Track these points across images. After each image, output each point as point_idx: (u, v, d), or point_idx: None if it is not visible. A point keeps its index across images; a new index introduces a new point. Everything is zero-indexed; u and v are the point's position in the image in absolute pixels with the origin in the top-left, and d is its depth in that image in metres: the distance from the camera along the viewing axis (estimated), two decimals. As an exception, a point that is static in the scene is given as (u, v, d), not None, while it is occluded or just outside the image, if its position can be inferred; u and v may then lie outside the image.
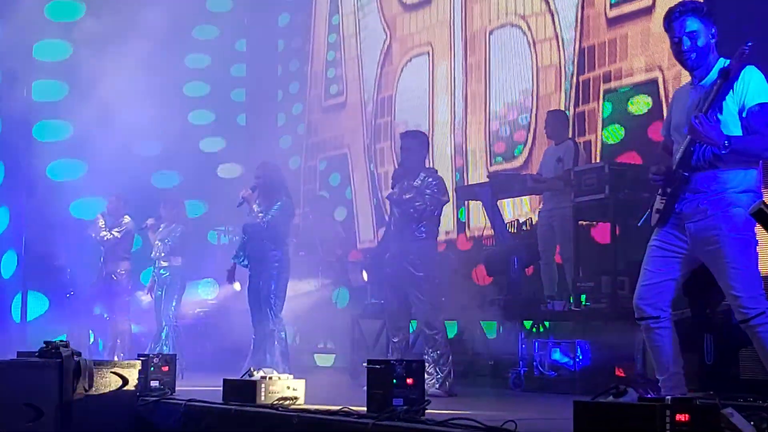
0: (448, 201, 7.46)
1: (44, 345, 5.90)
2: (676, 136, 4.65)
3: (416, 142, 7.34)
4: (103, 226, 10.02)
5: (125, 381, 5.90)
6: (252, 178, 8.19)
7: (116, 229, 9.95)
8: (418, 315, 7.25)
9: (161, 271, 9.57)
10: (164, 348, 9.11)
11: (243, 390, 5.62)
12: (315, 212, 11.55)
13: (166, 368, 6.52)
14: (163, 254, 9.59)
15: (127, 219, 10.07)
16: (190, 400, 5.87)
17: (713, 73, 4.53)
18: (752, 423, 3.66)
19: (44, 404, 5.60)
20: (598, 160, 8.94)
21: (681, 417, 3.32)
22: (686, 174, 4.47)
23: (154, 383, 6.41)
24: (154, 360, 6.53)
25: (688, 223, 4.49)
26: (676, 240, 4.55)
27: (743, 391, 5.39)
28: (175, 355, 7.13)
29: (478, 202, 9.74)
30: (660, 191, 4.58)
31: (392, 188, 7.38)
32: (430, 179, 7.16)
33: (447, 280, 8.11)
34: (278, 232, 7.91)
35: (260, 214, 7.88)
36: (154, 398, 6.16)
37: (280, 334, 7.83)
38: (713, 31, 4.54)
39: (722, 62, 4.53)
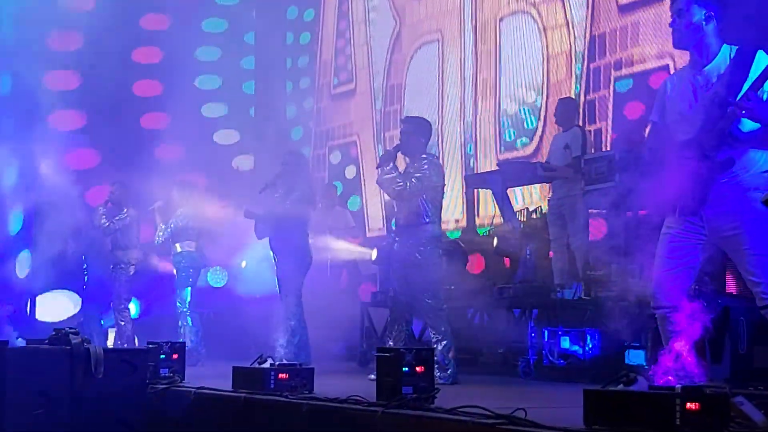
0: (436, 186, 7.13)
1: (54, 332, 5.91)
2: (678, 120, 4.53)
3: (413, 127, 7.30)
4: (103, 213, 9.96)
5: (135, 368, 5.91)
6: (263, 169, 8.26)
7: (118, 216, 9.89)
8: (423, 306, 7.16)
9: (179, 258, 9.55)
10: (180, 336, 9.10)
11: (253, 377, 5.63)
12: (324, 200, 11.54)
13: (176, 356, 6.53)
14: (163, 238, 9.57)
15: (124, 211, 10.00)
16: (199, 388, 5.87)
17: (721, 59, 4.44)
18: (763, 411, 3.64)
19: (54, 391, 5.61)
20: (608, 148, 8.91)
21: (691, 405, 3.32)
22: (731, 157, 4.31)
23: (163, 371, 6.42)
24: (164, 347, 6.54)
25: (705, 209, 4.39)
26: (692, 226, 4.45)
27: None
28: (184, 342, 7.13)
29: (488, 190, 9.72)
30: (688, 178, 4.40)
31: (376, 167, 7.36)
32: (424, 164, 7.07)
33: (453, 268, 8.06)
34: (295, 219, 7.91)
35: (279, 202, 7.93)
36: (163, 386, 6.16)
37: (289, 323, 7.82)
38: (709, 13, 4.43)
39: (727, 48, 4.44)
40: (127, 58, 12.87)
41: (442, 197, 7.25)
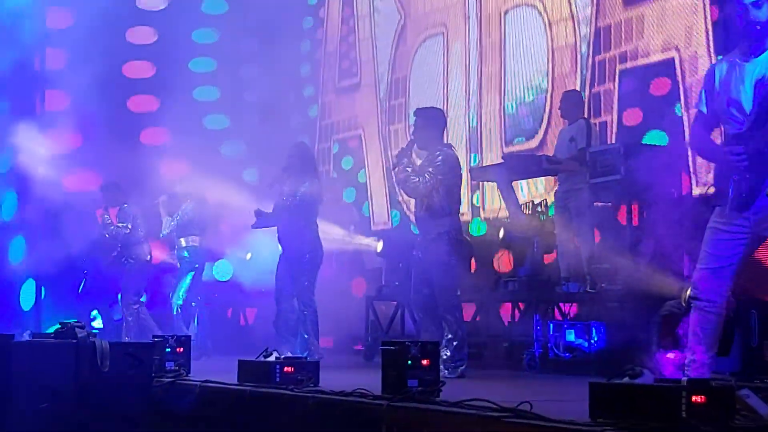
0: (451, 178, 7.03)
1: (60, 326, 5.93)
2: (728, 113, 4.44)
3: (424, 119, 7.20)
4: (109, 221, 9.96)
5: (140, 362, 5.92)
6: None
7: (122, 223, 9.86)
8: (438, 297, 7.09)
9: (183, 253, 9.55)
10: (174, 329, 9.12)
11: (258, 371, 5.63)
12: (328, 194, 11.54)
13: (181, 349, 6.54)
14: (168, 230, 9.59)
15: (125, 207, 9.96)
16: (204, 381, 5.88)
17: None
18: (769, 405, 3.64)
19: (60, 385, 5.63)
20: (614, 141, 8.89)
21: (697, 398, 3.31)
22: None
23: (169, 364, 6.43)
24: (170, 341, 6.55)
25: (757, 200, 4.32)
26: (740, 219, 4.40)
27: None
28: (190, 336, 7.14)
29: (493, 183, 9.70)
30: (740, 172, 4.33)
31: (393, 169, 7.29)
32: (438, 157, 6.98)
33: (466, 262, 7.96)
34: (305, 212, 7.89)
35: (288, 195, 7.91)
36: (169, 379, 6.17)
37: (304, 314, 7.79)
38: None
39: None
40: (118, 73, 12.63)
41: (460, 188, 7.16)
